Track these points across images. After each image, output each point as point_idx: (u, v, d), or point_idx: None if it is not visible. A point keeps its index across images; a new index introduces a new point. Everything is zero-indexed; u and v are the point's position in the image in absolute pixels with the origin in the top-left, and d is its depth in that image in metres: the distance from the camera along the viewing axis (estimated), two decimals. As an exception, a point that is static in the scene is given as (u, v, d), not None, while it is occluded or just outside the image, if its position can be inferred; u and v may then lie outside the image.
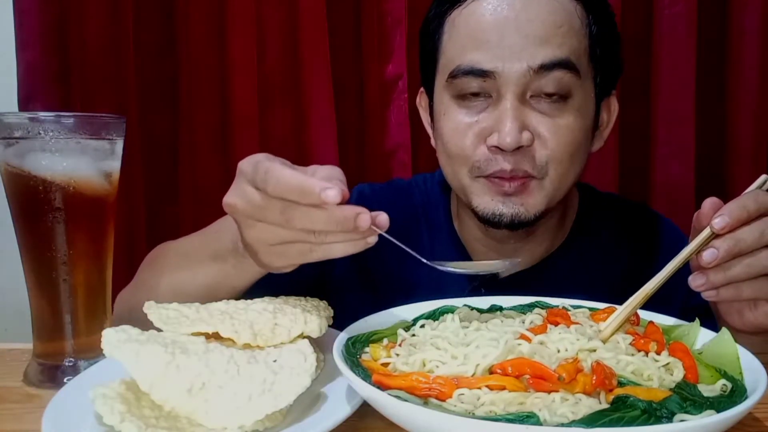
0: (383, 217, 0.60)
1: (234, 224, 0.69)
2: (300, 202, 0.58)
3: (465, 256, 0.99)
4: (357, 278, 1.01)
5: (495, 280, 0.96)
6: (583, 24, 0.84)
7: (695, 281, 0.63)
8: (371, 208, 1.06)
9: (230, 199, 0.64)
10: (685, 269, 0.64)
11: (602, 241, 1.01)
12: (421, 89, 0.99)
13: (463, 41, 0.85)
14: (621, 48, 0.93)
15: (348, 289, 0.99)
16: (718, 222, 0.60)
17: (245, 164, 0.63)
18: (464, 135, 0.85)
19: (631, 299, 0.64)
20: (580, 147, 0.86)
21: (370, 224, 0.58)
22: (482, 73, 0.82)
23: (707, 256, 0.61)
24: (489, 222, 0.87)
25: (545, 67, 0.81)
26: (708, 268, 0.62)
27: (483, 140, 0.84)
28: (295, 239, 0.61)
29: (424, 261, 0.65)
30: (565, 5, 0.83)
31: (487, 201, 0.86)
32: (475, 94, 0.85)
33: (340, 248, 0.61)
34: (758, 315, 0.68)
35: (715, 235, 0.62)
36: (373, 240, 0.61)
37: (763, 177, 0.66)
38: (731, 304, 0.71)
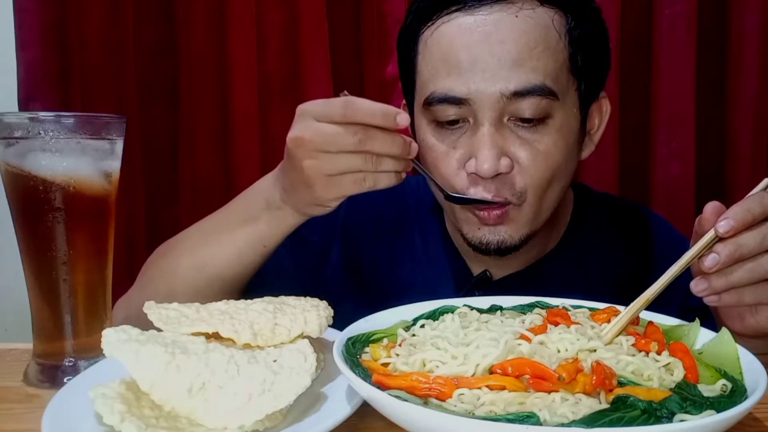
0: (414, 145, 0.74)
1: (264, 186, 0.82)
2: (381, 124, 0.70)
3: (459, 260, 0.98)
4: (350, 281, 1.00)
5: (488, 283, 0.95)
6: (561, 35, 0.81)
7: (697, 286, 0.63)
8: (364, 212, 1.08)
9: (297, 132, 0.73)
10: (684, 270, 0.64)
11: (597, 240, 1.00)
12: (404, 102, 0.97)
13: (436, 65, 0.83)
14: (609, 44, 0.89)
15: (341, 292, 0.97)
16: (723, 225, 0.60)
17: (309, 105, 0.74)
18: (445, 163, 0.84)
19: (632, 305, 0.64)
20: (560, 167, 0.84)
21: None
22: (457, 101, 0.80)
23: (709, 261, 0.61)
24: (477, 249, 0.88)
25: (519, 94, 0.79)
26: (710, 273, 0.62)
27: (463, 166, 0.83)
28: (354, 168, 0.72)
29: (447, 192, 0.83)
30: (540, 20, 0.80)
31: (474, 230, 0.86)
32: (453, 123, 0.83)
33: (385, 178, 0.74)
34: (759, 319, 0.68)
35: (716, 240, 0.61)
36: (404, 175, 0.76)
37: (766, 180, 0.65)
38: (732, 308, 0.70)
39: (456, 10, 0.81)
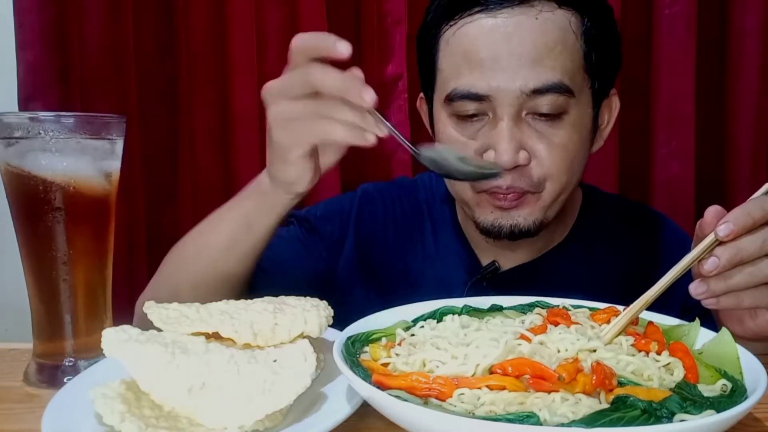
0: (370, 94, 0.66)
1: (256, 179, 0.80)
2: (319, 45, 0.68)
3: (469, 252, 1.01)
4: (361, 275, 1.02)
5: (496, 274, 0.98)
6: (578, 36, 0.84)
7: (696, 289, 0.63)
8: (376, 206, 1.08)
9: (270, 82, 0.73)
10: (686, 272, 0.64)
11: (603, 236, 1.02)
12: (421, 95, 1.00)
13: (458, 63, 0.85)
14: (620, 42, 0.93)
15: (353, 286, 1.00)
16: (723, 229, 0.60)
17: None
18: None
19: (631, 306, 0.64)
20: (576, 159, 0.88)
21: (374, 104, 0.66)
22: (478, 97, 0.83)
23: (709, 264, 0.61)
24: (489, 233, 0.90)
25: (538, 91, 0.82)
26: (709, 276, 0.62)
27: (481, 157, 0.86)
28: (308, 112, 0.69)
29: (415, 150, 0.73)
30: (559, 22, 0.83)
31: (486, 214, 0.89)
32: (472, 116, 0.86)
33: (341, 131, 0.68)
34: (758, 323, 0.69)
35: (717, 243, 0.61)
36: (371, 138, 0.68)
37: None
38: (731, 311, 0.71)
39: (478, 12, 0.83)
